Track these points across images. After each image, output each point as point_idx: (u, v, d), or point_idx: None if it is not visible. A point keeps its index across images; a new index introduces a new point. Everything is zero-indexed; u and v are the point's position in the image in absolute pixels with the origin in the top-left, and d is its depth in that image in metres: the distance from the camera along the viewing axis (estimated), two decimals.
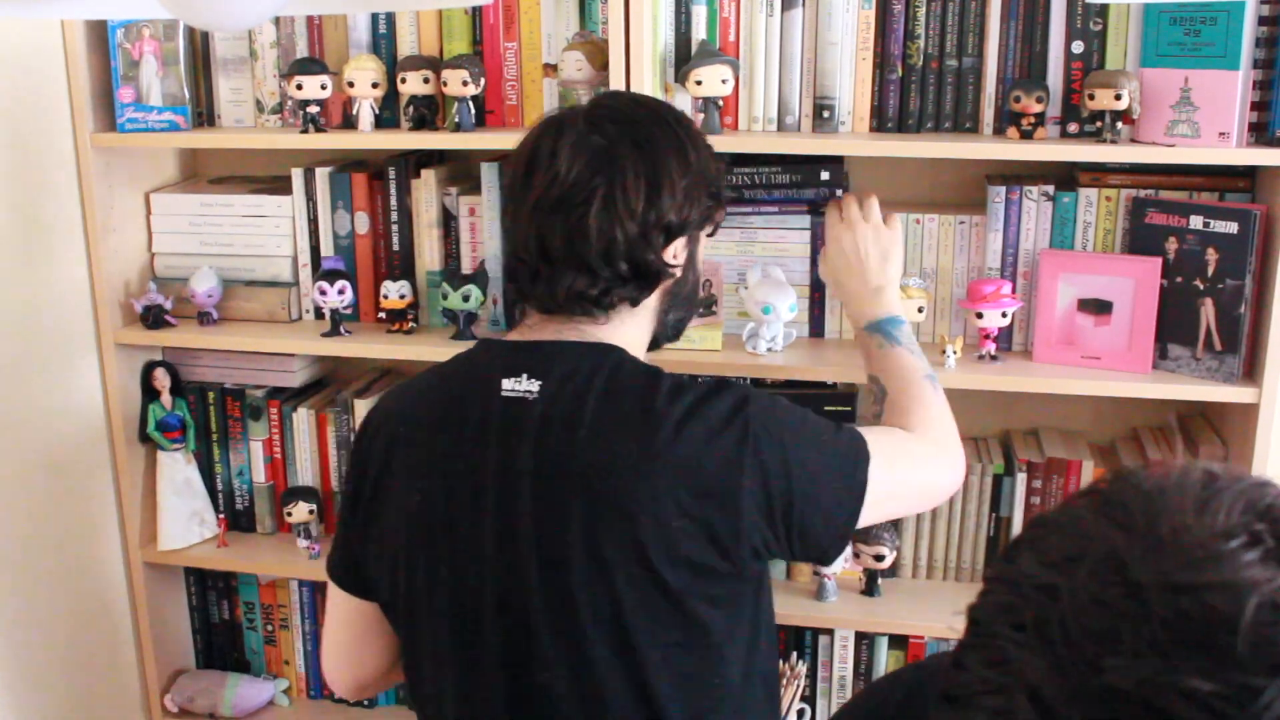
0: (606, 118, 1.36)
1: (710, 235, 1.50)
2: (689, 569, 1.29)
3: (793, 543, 1.33)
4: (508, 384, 1.33)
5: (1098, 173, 1.81)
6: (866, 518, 1.37)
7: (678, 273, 1.41)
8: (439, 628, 1.37)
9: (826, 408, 1.93)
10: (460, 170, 2.07)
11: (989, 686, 0.66)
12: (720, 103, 1.80)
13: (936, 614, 1.90)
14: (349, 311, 2.02)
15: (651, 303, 1.42)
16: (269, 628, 2.29)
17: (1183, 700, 0.58)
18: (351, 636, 1.51)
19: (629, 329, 1.41)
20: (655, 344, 1.49)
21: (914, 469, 1.46)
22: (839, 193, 1.85)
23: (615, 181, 1.32)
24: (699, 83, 1.78)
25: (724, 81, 1.78)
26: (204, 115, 2.08)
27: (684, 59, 1.83)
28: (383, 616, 1.47)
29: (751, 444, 1.29)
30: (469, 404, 1.36)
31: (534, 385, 1.32)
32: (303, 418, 2.14)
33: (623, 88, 1.76)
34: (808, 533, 1.33)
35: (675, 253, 1.39)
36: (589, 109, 1.40)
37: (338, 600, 1.50)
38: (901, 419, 1.51)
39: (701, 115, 1.80)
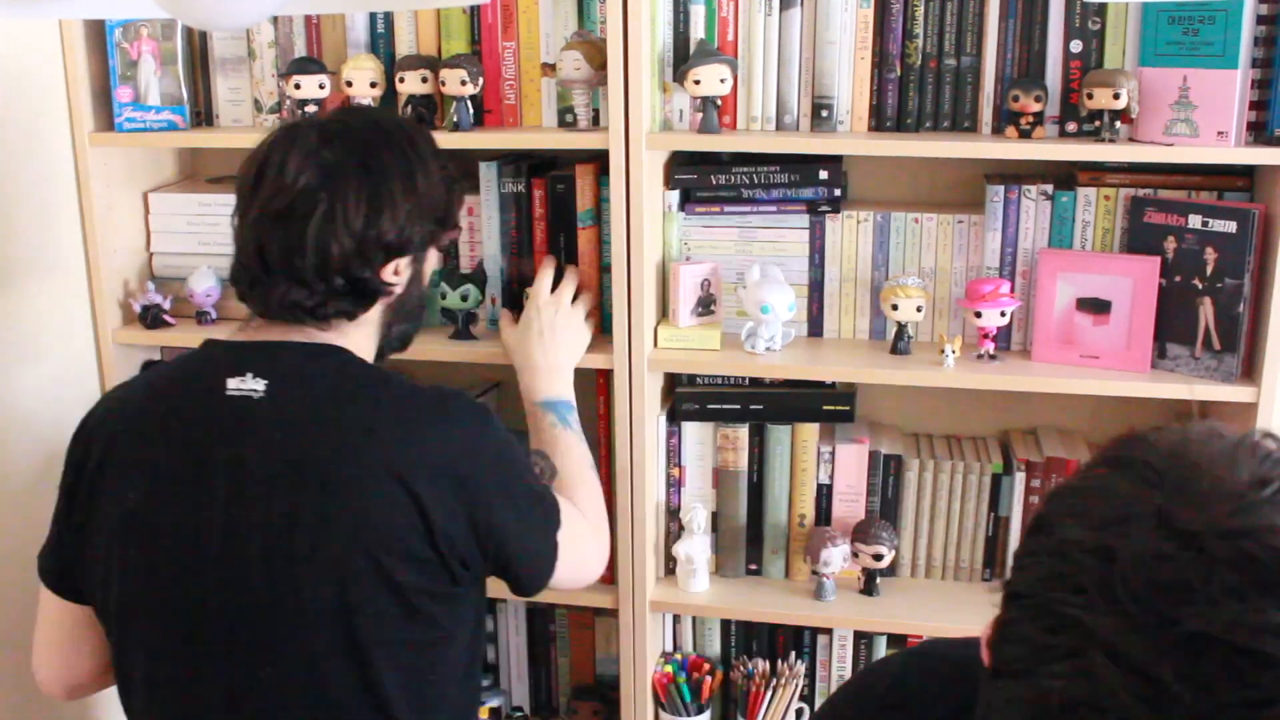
0: (339, 134, 1.40)
1: (443, 251, 1.57)
2: (415, 564, 1.33)
3: (486, 559, 1.40)
4: (233, 383, 1.35)
5: (1096, 172, 1.81)
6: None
7: (397, 289, 1.45)
8: (155, 628, 1.38)
9: (825, 407, 1.93)
10: (458, 170, 2.06)
11: (1057, 653, 0.67)
12: (719, 102, 1.80)
13: (935, 613, 1.90)
14: None
15: (373, 316, 1.46)
16: None
17: (1273, 637, 0.62)
18: (63, 637, 1.51)
19: (351, 336, 1.45)
20: (381, 354, 1.53)
21: (570, 533, 1.52)
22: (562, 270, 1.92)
23: (337, 198, 1.36)
24: (697, 82, 1.77)
25: (722, 81, 1.78)
26: (202, 115, 2.08)
27: (682, 58, 1.83)
28: (95, 618, 1.46)
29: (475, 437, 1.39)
30: (192, 403, 1.38)
31: (259, 384, 1.34)
32: None
33: (621, 87, 1.76)
34: (504, 548, 1.42)
35: (396, 270, 1.43)
36: (325, 122, 1.44)
37: (49, 601, 1.50)
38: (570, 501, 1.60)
39: (700, 114, 1.80)
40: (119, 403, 1.47)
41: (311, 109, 1.93)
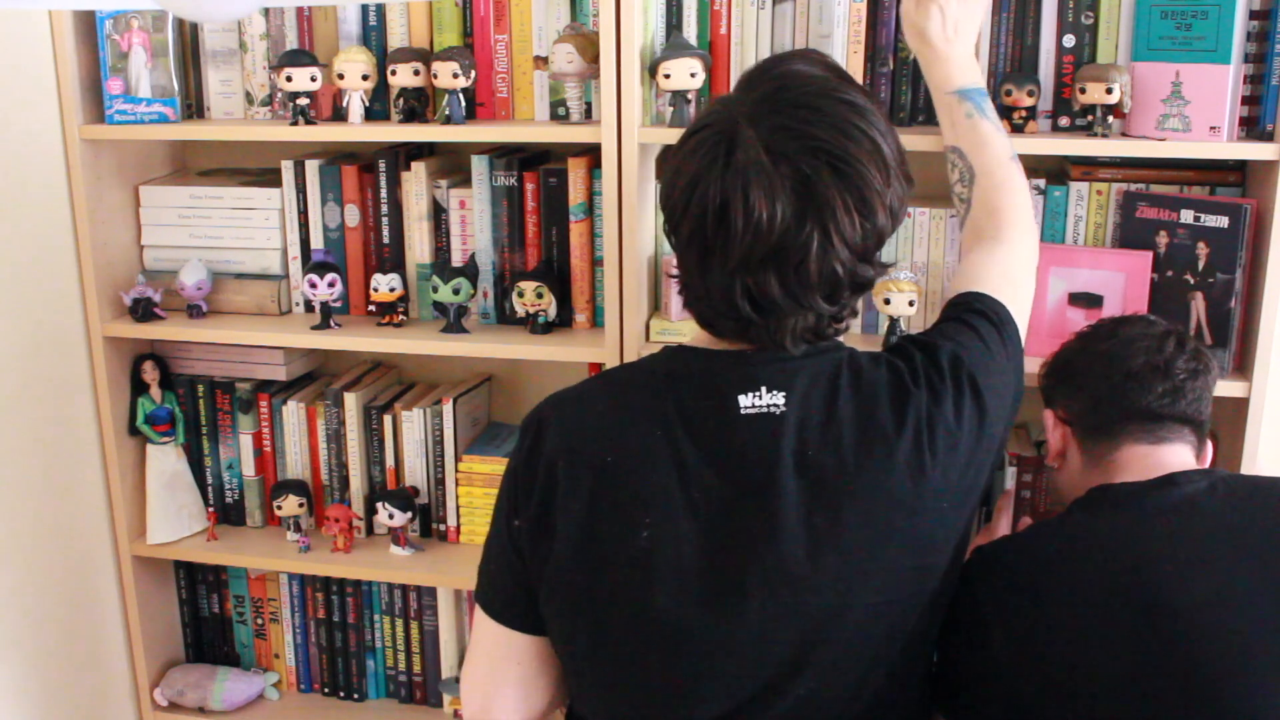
0: (788, 135, 1.19)
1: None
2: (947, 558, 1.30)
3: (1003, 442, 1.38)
4: (745, 400, 1.23)
5: (1089, 166, 1.80)
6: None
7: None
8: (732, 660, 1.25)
9: None
10: (450, 163, 2.06)
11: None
12: (689, 96, 1.80)
13: None
14: (339, 304, 2.02)
15: None
16: (259, 621, 2.28)
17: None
18: (524, 673, 1.36)
19: None
20: None
21: (1027, 303, 1.51)
22: None
23: (827, 221, 1.19)
24: (667, 76, 1.77)
25: (693, 75, 1.77)
26: (193, 107, 2.07)
27: None
28: (551, 650, 1.35)
29: (985, 396, 1.30)
30: (700, 425, 1.24)
31: (778, 398, 1.23)
32: (292, 411, 2.13)
33: (614, 80, 1.75)
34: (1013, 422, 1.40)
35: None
36: (766, 138, 1.19)
37: (502, 636, 1.35)
38: (988, 218, 1.54)
39: (671, 109, 1.80)
40: (585, 427, 1.29)
41: (303, 102, 1.92)
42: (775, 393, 1.23)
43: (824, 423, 1.23)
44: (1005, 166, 1.58)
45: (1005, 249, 1.53)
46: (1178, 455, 1.48)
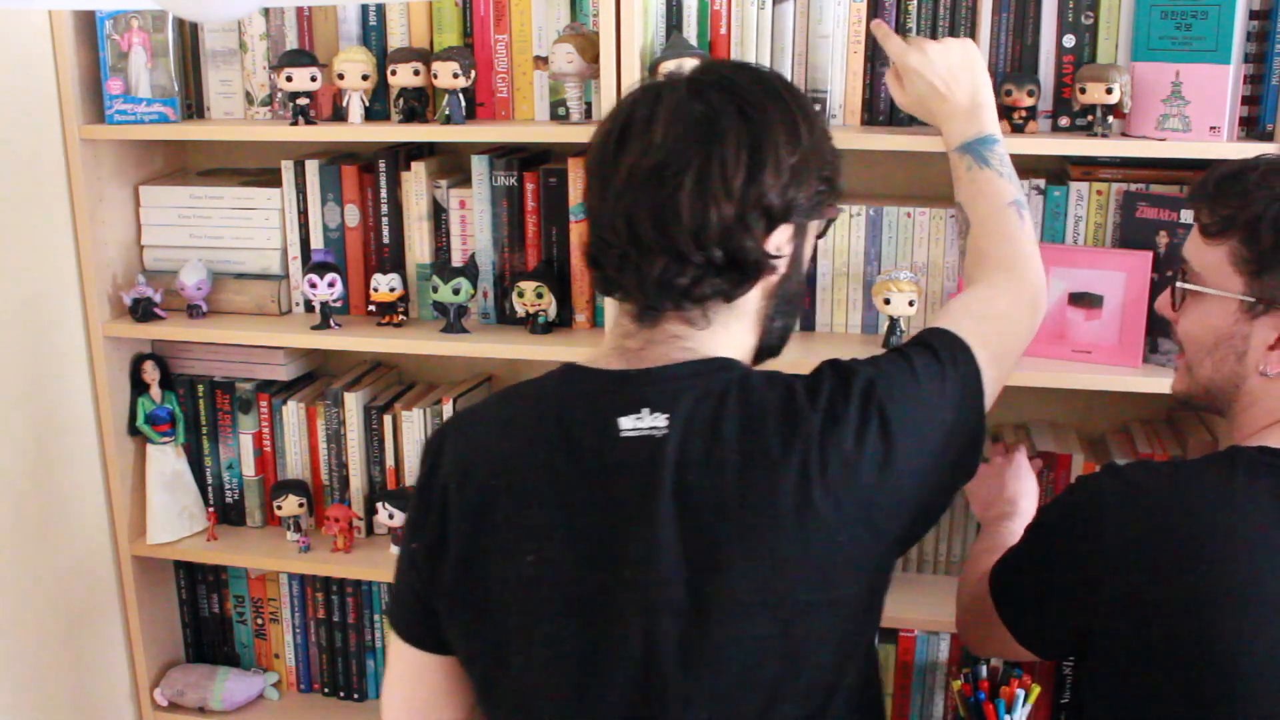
0: (713, 84, 1.20)
1: (821, 236, 1.35)
2: (847, 597, 1.20)
3: (945, 498, 1.29)
4: (627, 422, 1.18)
5: (1089, 166, 1.80)
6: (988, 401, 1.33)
7: (780, 267, 1.24)
8: (554, 684, 1.23)
9: None
10: (450, 163, 2.06)
11: None
12: None
13: (927, 608, 1.90)
14: (339, 304, 2.02)
15: (752, 303, 1.26)
16: (259, 621, 2.28)
17: None
18: (427, 693, 1.34)
19: (735, 334, 1.26)
20: (759, 357, 1.32)
21: (1008, 334, 1.39)
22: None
23: (714, 154, 1.16)
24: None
25: None
26: (193, 107, 2.07)
27: None
28: (460, 670, 1.32)
29: (895, 430, 1.19)
30: (581, 448, 1.19)
31: (660, 420, 1.17)
32: (292, 411, 2.13)
33: (614, 80, 1.75)
34: (966, 461, 1.29)
35: (778, 244, 1.22)
36: (693, 74, 1.23)
37: (408, 655, 1.32)
38: (977, 264, 1.47)
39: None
40: (480, 443, 1.26)
41: (303, 102, 1.93)
42: (658, 414, 1.17)
43: (706, 446, 1.16)
44: (1001, 212, 1.49)
45: (983, 288, 1.45)
46: None
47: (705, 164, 1.16)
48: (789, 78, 1.82)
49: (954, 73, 1.57)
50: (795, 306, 1.34)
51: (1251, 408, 1.30)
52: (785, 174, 1.19)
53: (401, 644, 1.32)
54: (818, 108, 1.28)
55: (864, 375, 1.22)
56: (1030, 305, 1.45)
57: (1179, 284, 1.36)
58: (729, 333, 1.25)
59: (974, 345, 1.30)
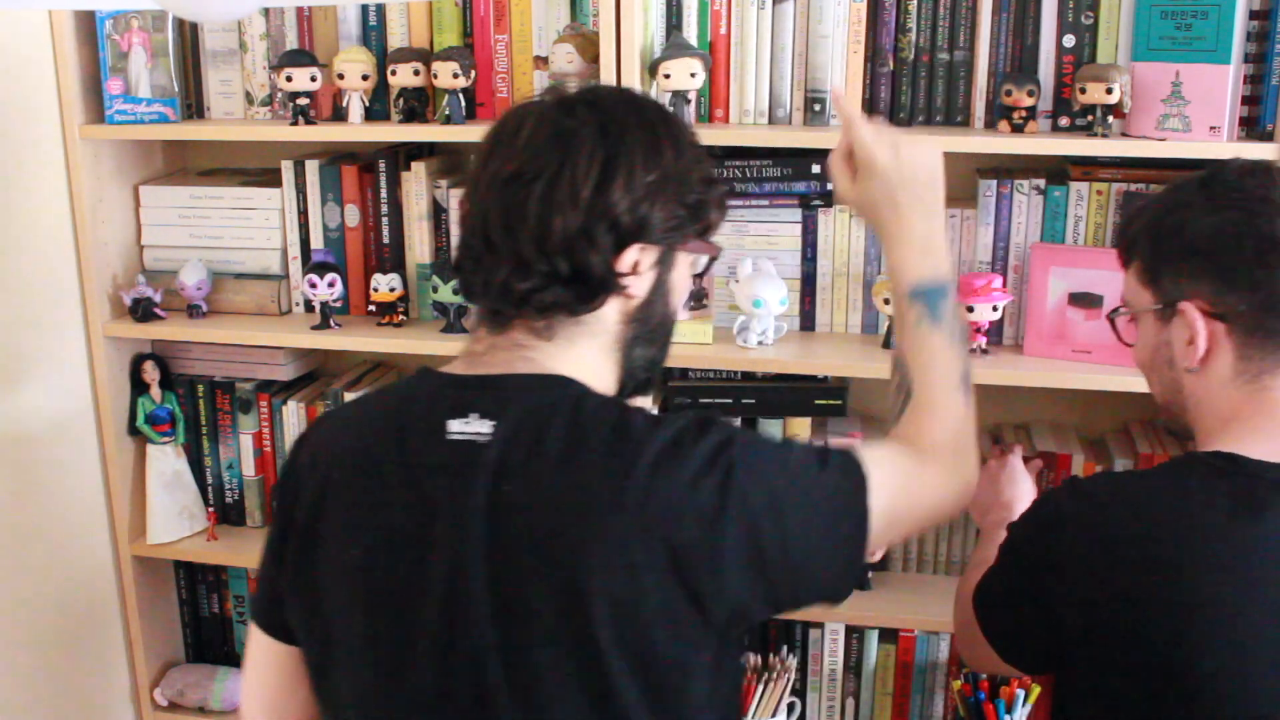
0: (582, 101, 1.21)
1: (700, 275, 1.27)
2: (652, 641, 1.12)
3: (792, 594, 1.17)
4: (455, 425, 1.17)
5: (1089, 166, 1.81)
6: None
7: (632, 289, 1.19)
8: (369, 693, 1.23)
9: (817, 401, 1.93)
10: (450, 163, 2.06)
11: None
12: (690, 97, 1.80)
13: (927, 607, 1.90)
14: (339, 304, 2.02)
15: (608, 325, 1.22)
16: None
17: None
18: (275, 681, 1.34)
19: (585, 354, 1.22)
20: (625, 391, 1.27)
21: (916, 501, 1.26)
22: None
23: (566, 162, 1.16)
24: (667, 76, 1.77)
25: (693, 75, 1.77)
26: (193, 107, 2.07)
27: None
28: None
29: (737, 491, 1.10)
30: (411, 447, 1.19)
31: (485, 426, 1.16)
32: (292, 411, 2.13)
33: (614, 80, 1.76)
34: (808, 580, 1.17)
35: (632, 264, 1.18)
36: (567, 93, 1.24)
37: (260, 642, 1.33)
38: (917, 438, 1.30)
39: (671, 109, 1.80)
40: (332, 437, 1.28)
41: (303, 102, 1.93)
42: (485, 420, 1.15)
43: (525, 457, 1.13)
44: (949, 394, 1.32)
45: (916, 461, 1.28)
46: None
47: (557, 172, 1.16)
48: (789, 77, 1.83)
49: (920, 188, 1.33)
50: (661, 337, 1.28)
51: (1200, 411, 1.32)
52: (638, 190, 1.16)
53: (256, 629, 1.34)
54: (695, 141, 1.24)
55: (726, 430, 1.15)
56: (955, 499, 1.32)
57: (1107, 315, 1.43)
58: (577, 350, 1.21)
59: (871, 488, 1.18)
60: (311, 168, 2.03)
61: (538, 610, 1.12)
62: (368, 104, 1.95)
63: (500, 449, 1.14)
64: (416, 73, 1.89)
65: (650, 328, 1.25)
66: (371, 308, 2.02)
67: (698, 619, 1.12)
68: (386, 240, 2.02)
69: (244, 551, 2.15)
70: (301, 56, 1.93)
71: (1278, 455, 1.22)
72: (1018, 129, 1.75)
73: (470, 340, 1.26)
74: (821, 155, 1.87)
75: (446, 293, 1.93)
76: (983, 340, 1.83)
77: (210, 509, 2.20)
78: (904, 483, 1.24)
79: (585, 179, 1.15)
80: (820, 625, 2.02)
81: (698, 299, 1.92)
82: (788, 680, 2.02)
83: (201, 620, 2.31)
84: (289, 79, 1.91)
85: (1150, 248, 1.31)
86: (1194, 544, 1.20)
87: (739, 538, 1.10)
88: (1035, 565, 1.30)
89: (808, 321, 1.95)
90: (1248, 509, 1.19)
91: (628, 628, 1.11)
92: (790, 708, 2.04)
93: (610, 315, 1.21)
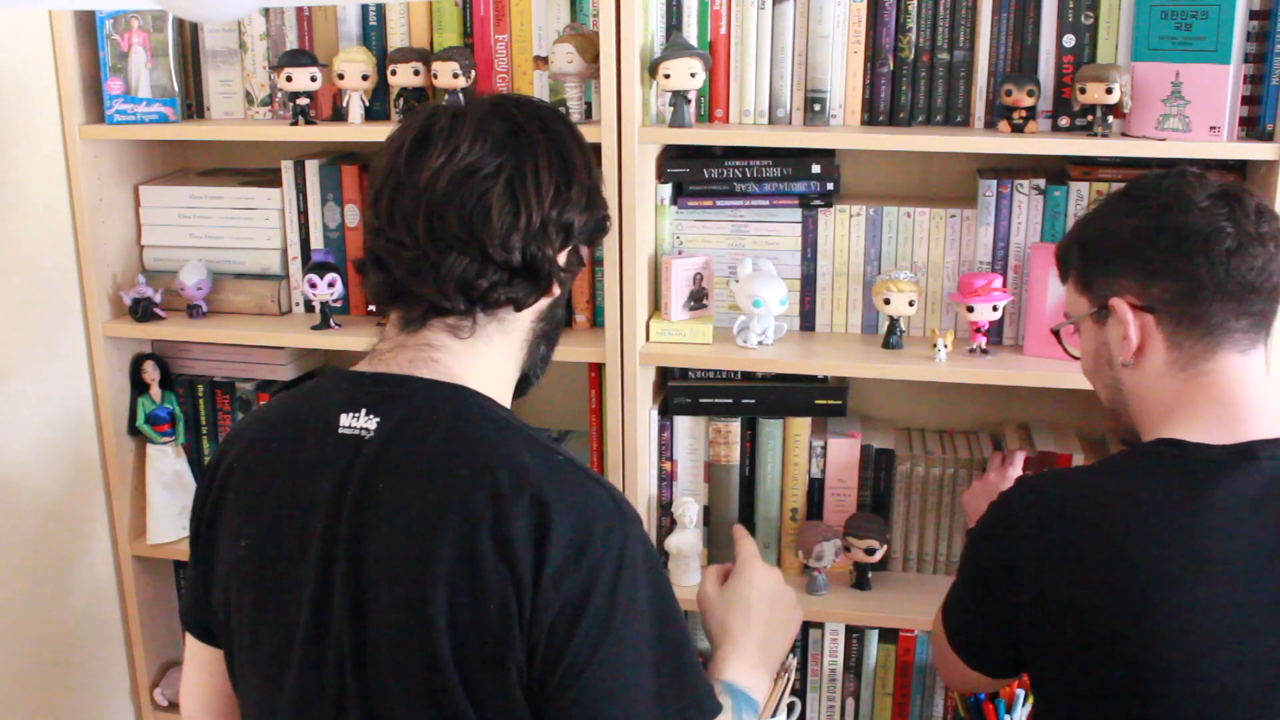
0: (511, 104, 1.23)
1: (577, 266, 1.30)
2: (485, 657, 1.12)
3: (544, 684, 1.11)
4: (345, 419, 1.18)
5: (1089, 166, 1.81)
6: None
7: (559, 286, 1.25)
8: (259, 685, 1.24)
9: (817, 401, 1.93)
10: None
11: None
12: (689, 96, 1.80)
13: (926, 607, 1.90)
14: (339, 304, 2.02)
15: (524, 323, 1.25)
16: None
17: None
18: (205, 682, 1.35)
19: (494, 354, 1.24)
20: (523, 387, 1.31)
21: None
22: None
23: (525, 162, 1.18)
24: (667, 76, 1.77)
25: (693, 75, 1.77)
26: (193, 107, 2.07)
27: None
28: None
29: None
30: (305, 440, 1.21)
31: (372, 422, 1.17)
32: None
33: (614, 80, 1.76)
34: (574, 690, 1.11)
35: (564, 263, 1.24)
36: (480, 101, 1.26)
37: (189, 644, 1.35)
38: None
39: (671, 109, 1.80)
40: (241, 433, 1.30)
41: (303, 102, 1.93)
42: (371, 416, 1.17)
43: (401, 458, 1.15)
44: None
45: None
46: (1259, 367, 1.32)
47: (518, 169, 1.18)
48: (789, 77, 1.84)
49: (778, 627, 1.46)
50: (557, 335, 1.33)
51: (1142, 405, 1.35)
52: (584, 195, 1.23)
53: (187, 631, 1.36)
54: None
55: (558, 492, 1.14)
56: None
57: (1051, 330, 1.51)
58: (490, 348, 1.23)
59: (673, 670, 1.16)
60: (311, 168, 2.03)
61: (387, 619, 1.13)
62: (368, 104, 1.95)
63: (380, 445, 1.16)
64: (416, 73, 1.89)
65: (554, 325, 1.32)
66: (371, 308, 2.02)
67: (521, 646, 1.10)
68: None
69: None
70: (301, 56, 1.93)
71: (1218, 437, 1.26)
72: (1018, 129, 1.75)
73: (377, 340, 1.27)
74: (822, 155, 1.88)
75: None
76: (982, 340, 1.83)
77: None
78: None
79: (549, 178, 1.19)
80: (820, 625, 2.02)
81: (697, 299, 1.92)
82: (787, 680, 2.01)
83: None
84: (289, 79, 1.91)
85: (1080, 256, 1.39)
86: (1141, 526, 1.23)
87: (566, 602, 1.09)
88: (992, 562, 1.33)
89: (808, 321, 1.95)
90: (1192, 487, 1.24)
91: (467, 643, 1.10)
92: (790, 708, 2.03)
93: (528, 313, 1.25)
